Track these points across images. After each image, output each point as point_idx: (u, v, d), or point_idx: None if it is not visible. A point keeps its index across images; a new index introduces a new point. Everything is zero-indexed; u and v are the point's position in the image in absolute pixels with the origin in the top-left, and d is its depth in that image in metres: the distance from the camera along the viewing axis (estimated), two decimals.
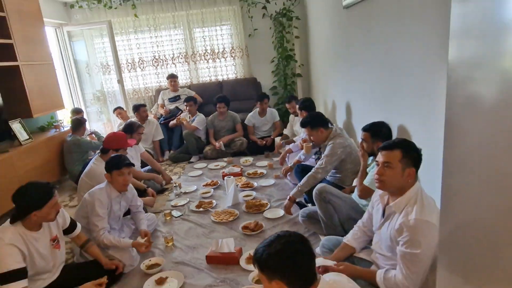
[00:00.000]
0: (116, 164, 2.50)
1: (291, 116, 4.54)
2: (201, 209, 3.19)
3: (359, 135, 2.45)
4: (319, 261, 1.64)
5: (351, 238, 1.91)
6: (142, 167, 3.91)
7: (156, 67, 6.02)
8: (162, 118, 5.23)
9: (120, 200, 2.60)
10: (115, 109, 5.34)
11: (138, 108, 4.68)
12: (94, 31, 5.80)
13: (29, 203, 1.89)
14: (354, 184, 2.70)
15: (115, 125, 5.54)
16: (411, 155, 1.62)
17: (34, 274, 1.96)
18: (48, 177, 3.93)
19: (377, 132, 2.28)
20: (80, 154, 4.19)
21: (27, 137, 3.96)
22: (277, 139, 4.67)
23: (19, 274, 1.82)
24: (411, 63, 2.12)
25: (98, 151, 3.15)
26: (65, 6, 5.71)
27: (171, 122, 5.03)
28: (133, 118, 4.83)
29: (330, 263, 1.69)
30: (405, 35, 2.19)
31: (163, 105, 5.51)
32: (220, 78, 6.15)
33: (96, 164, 2.98)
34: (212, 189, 3.63)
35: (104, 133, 5.39)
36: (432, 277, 1.55)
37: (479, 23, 0.63)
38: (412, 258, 1.50)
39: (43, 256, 2.00)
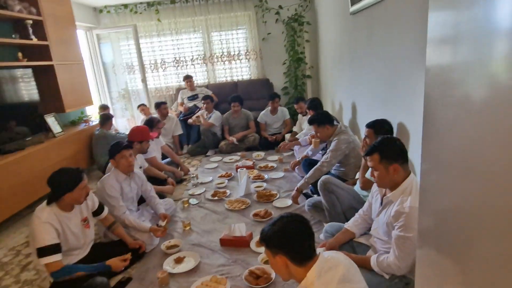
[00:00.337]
0: (116, 149, 2.60)
1: (299, 116, 4.61)
2: (216, 198, 3.29)
3: (363, 132, 2.51)
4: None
5: (352, 224, 1.99)
6: (162, 159, 4.04)
7: (177, 68, 6.15)
8: (181, 115, 5.37)
9: (129, 182, 2.68)
10: (138, 106, 5.49)
11: (160, 105, 4.81)
12: (120, 34, 5.96)
13: (62, 186, 2.02)
14: (357, 177, 2.76)
15: (139, 120, 5.69)
16: (389, 153, 1.65)
17: (67, 250, 2.09)
18: (78, 166, 4.09)
19: (380, 128, 2.34)
20: (107, 146, 4.32)
21: (60, 130, 4.13)
22: (287, 136, 4.75)
23: (54, 248, 1.95)
24: (407, 66, 2.18)
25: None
26: (94, 11, 5.89)
27: (189, 120, 5.15)
28: (155, 114, 4.97)
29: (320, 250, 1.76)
30: (402, 40, 2.24)
31: (182, 103, 5.64)
32: (235, 78, 6.24)
33: None
34: (226, 180, 3.73)
35: (128, 128, 5.55)
36: None
37: (452, 31, 0.70)
38: (405, 241, 1.56)
39: (75, 234, 2.13)
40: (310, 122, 3.01)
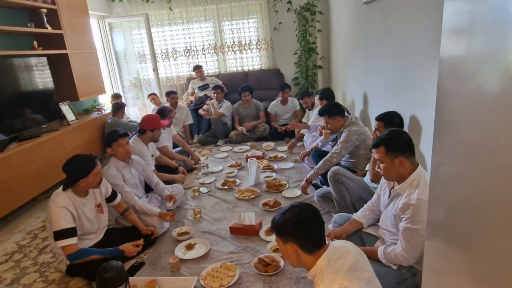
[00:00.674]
0: (113, 137, 2.63)
1: (307, 110, 4.57)
2: (226, 187, 3.33)
3: (374, 123, 2.50)
4: None
5: (360, 215, 2.00)
6: (173, 148, 4.09)
7: (188, 57, 6.16)
8: (192, 105, 5.40)
9: (129, 169, 2.73)
10: (149, 95, 5.54)
11: (169, 95, 4.84)
12: (132, 23, 5.98)
13: (77, 172, 2.08)
14: (366, 169, 2.76)
15: (150, 109, 5.74)
16: (395, 145, 1.65)
17: (81, 234, 2.16)
18: (92, 153, 4.18)
19: (390, 121, 2.32)
20: None
21: (74, 118, 4.21)
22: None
23: (70, 232, 2.02)
24: (421, 57, 2.15)
25: (135, 131, 3.32)
26: (107, 0, 5.91)
27: (199, 111, 5.17)
28: (165, 103, 5.01)
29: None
30: (417, 30, 2.20)
31: (193, 93, 5.67)
32: (246, 68, 6.23)
33: (134, 143, 3.16)
34: (236, 170, 3.76)
35: (140, 117, 5.61)
36: None
37: (469, 21, 0.69)
38: (412, 232, 1.57)
39: (89, 219, 2.20)
40: (321, 113, 3.00)
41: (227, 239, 2.44)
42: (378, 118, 2.38)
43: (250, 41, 6.09)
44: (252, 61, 6.21)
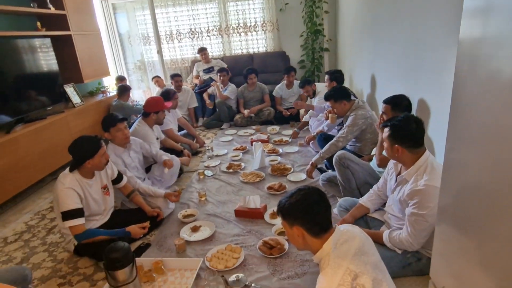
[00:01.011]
0: (111, 122, 2.60)
1: (308, 98, 4.49)
2: (231, 170, 3.34)
3: (381, 107, 2.45)
4: None
5: (366, 200, 1.99)
6: (178, 131, 4.08)
7: (192, 39, 6.07)
8: (197, 88, 5.36)
9: (128, 153, 2.72)
10: (153, 78, 5.50)
11: (173, 77, 4.79)
12: (135, 3, 5.87)
13: (83, 153, 2.09)
14: (372, 153, 2.74)
15: (154, 92, 5.71)
16: (398, 133, 1.65)
17: (88, 215, 2.19)
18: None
19: (397, 104, 2.28)
20: (124, 117, 4.40)
21: (79, 100, 4.19)
22: (302, 111, 4.69)
23: (77, 212, 2.04)
24: (434, 39, 2.08)
25: (140, 114, 3.31)
26: None
27: (204, 96, 5.12)
28: (170, 86, 4.97)
29: None
30: (429, 11, 2.12)
31: (197, 76, 5.61)
32: (251, 51, 6.13)
33: (139, 125, 3.15)
34: (241, 153, 3.76)
35: (144, 99, 5.58)
36: None
37: (491, 2, 0.65)
38: (418, 218, 1.56)
39: (96, 200, 2.22)
40: (327, 98, 2.95)
41: (232, 222, 2.45)
42: (386, 101, 2.35)
43: (256, 22, 5.97)
44: (257, 43, 6.10)
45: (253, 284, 1.68)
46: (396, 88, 2.70)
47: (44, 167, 3.42)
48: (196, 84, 5.47)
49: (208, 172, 3.35)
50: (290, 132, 4.29)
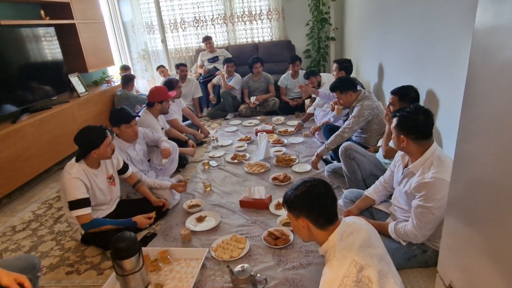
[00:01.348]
0: (124, 119, 2.55)
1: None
2: (235, 161, 3.34)
3: (388, 98, 2.43)
4: None
5: (372, 191, 1.99)
6: (183, 121, 4.08)
7: (197, 28, 6.02)
8: (201, 77, 5.33)
9: (133, 147, 2.71)
10: (158, 67, 5.48)
11: (178, 67, 4.77)
12: None
13: (88, 143, 2.10)
14: (378, 144, 2.72)
15: (159, 82, 5.69)
16: (404, 123, 1.64)
17: (95, 205, 2.21)
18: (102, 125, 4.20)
19: (405, 95, 2.25)
20: (129, 106, 4.37)
21: (84, 90, 4.20)
22: (307, 102, 4.66)
23: (84, 202, 2.07)
24: (445, 28, 2.03)
25: (145, 104, 3.30)
26: None
27: (208, 86, 5.09)
28: (175, 76, 4.95)
29: None
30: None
31: (202, 66, 5.58)
32: (256, 40, 6.07)
33: (144, 115, 3.15)
34: (246, 144, 3.76)
35: (148, 89, 5.57)
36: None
37: None
38: (424, 210, 1.56)
39: (102, 190, 2.24)
40: (332, 89, 2.92)
41: (237, 212, 2.47)
42: (393, 92, 2.32)
43: (261, 11, 5.90)
44: (262, 32, 6.04)
45: (258, 274, 1.70)
46: (404, 79, 2.66)
47: (50, 156, 3.45)
48: (200, 74, 5.44)
49: (213, 163, 3.36)
50: (295, 122, 4.27)
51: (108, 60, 4.91)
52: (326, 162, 3.02)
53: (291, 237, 2.06)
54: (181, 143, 3.51)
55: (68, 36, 4.13)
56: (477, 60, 0.75)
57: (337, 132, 2.76)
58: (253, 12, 5.91)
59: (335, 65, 3.69)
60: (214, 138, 3.85)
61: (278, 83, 4.85)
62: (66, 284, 1.95)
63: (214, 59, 5.54)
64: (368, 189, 2.03)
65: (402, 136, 1.65)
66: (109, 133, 2.18)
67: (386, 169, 2.06)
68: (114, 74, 5.45)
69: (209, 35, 5.64)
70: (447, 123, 2.05)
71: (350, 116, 2.79)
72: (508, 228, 0.74)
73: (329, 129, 3.21)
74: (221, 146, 3.80)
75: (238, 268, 1.68)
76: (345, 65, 3.61)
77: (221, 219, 2.38)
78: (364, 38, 4.26)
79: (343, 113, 3.22)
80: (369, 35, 3.94)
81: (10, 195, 3.08)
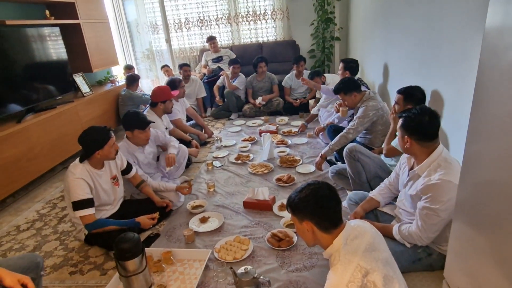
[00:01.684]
0: (139, 124, 2.53)
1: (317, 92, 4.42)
2: (239, 161, 3.33)
3: (394, 98, 2.41)
4: None
5: (377, 193, 1.97)
6: (187, 121, 4.08)
7: (201, 28, 6.02)
8: (205, 77, 5.33)
9: (142, 150, 2.70)
10: (162, 67, 5.49)
11: (181, 67, 4.77)
12: None
13: (92, 144, 2.10)
14: (383, 146, 2.70)
15: (163, 82, 5.70)
16: (409, 124, 1.63)
17: (98, 205, 2.21)
18: (106, 125, 4.22)
19: (410, 95, 2.24)
20: (133, 106, 4.42)
21: (88, 89, 4.21)
22: (311, 102, 4.64)
23: (88, 203, 2.07)
24: (452, 29, 2.01)
25: (148, 104, 3.31)
26: None
27: (214, 89, 5.08)
28: (178, 76, 4.95)
29: None
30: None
31: (206, 66, 5.58)
32: (260, 40, 6.06)
33: (147, 115, 3.13)
34: (250, 144, 3.75)
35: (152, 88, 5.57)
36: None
37: None
38: (430, 212, 1.54)
39: (105, 190, 2.24)
40: (336, 91, 2.90)
41: (240, 213, 2.46)
42: (399, 91, 2.32)
43: (265, 10, 5.88)
44: (267, 32, 6.02)
45: (261, 277, 1.69)
46: (410, 79, 2.64)
47: (55, 156, 3.47)
48: (204, 74, 5.44)
49: (217, 163, 3.35)
50: (299, 123, 4.25)
51: (112, 60, 4.92)
52: (331, 163, 3.01)
53: (295, 239, 2.04)
54: (185, 143, 3.51)
55: (72, 36, 4.14)
56: (487, 61, 0.73)
57: (341, 133, 2.74)
58: (258, 12, 5.89)
59: (341, 64, 3.65)
60: (218, 138, 3.85)
61: (282, 83, 4.83)
62: (70, 284, 1.95)
63: (218, 59, 5.54)
64: (373, 190, 2.02)
65: (406, 136, 1.64)
66: (112, 134, 2.18)
67: (391, 171, 2.05)
68: (118, 73, 5.46)
69: (213, 35, 5.64)
70: (453, 125, 2.02)
71: (355, 117, 2.77)
72: None
73: (334, 130, 3.19)
74: (225, 146, 3.79)
75: (241, 270, 1.67)
76: (351, 65, 3.58)
77: (225, 220, 2.37)
78: (369, 38, 4.23)
79: (348, 113, 3.20)
80: (374, 35, 3.92)
81: (15, 194, 3.10)
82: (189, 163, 3.39)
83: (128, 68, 5.24)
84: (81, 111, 3.90)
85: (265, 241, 2.07)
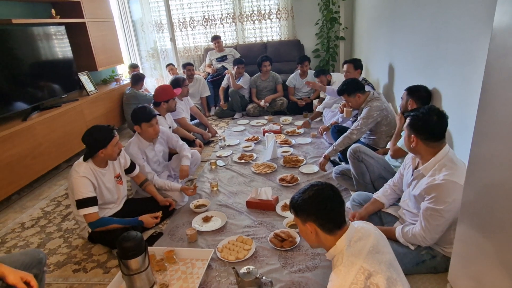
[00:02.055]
0: (146, 117, 2.55)
1: None
2: (242, 161, 3.33)
3: (398, 99, 2.39)
4: None
5: (381, 195, 1.95)
6: (191, 120, 4.08)
7: (205, 27, 6.02)
8: (209, 76, 5.33)
9: (153, 147, 2.71)
10: (167, 65, 5.50)
11: (185, 66, 4.76)
12: None
13: (96, 143, 2.11)
14: (388, 146, 2.68)
15: (167, 80, 5.71)
16: (416, 123, 1.62)
17: (102, 204, 2.22)
18: (110, 124, 4.23)
19: (414, 91, 2.26)
20: (137, 105, 4.41)
21: (93, 88, 4.23)
22: (315, 102, 4.63)
23: (91, 201, 2.08)
24: (459, 29, 1.98)
25: (152, 104, 3.31)
26: None
27: (220, 93, 5.07)
28: (182, 75, 4.96)
29: None
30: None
31: (210, 65, 5.58)
32: (265, 39, 6.05)
33: None
34: (253, 144, 3.74)
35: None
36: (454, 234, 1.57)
37: None
38: (434, 213, 1.52)
39: (109, 189, 2.25)
40: (340, 92, 2.88)
41: (243, 213, 2.45)
42: (405, 89, 2.35)
43: (270, 10, 5.87)
44: (271, 31, 6.01)
45: (263, 277, 1.68)
46: (415, 79, 2.61)
47: (59, 154, 3.48)
48: (208, 73, 5.44)
49: (220, 162, 3.35)
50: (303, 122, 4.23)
51: (117, 58, 4.94)
52: (334, 163, 2.99)
53: (298, 239, 2.04)
54: (189, 142, 3.51)
55: (78, 35, 4.16)
56: (495, 61, 0.72)
57: (345, 134, 2.72)
58: (262, 11, 5.88)
59: (347, 65, 3.55)
60: (222, 137, 3.85)
61: (286, 83, 4.82)
62: (73, 282, 1.96)
63: (222, 58, 5.53)
64: (377, 192, 2.00)
65: (412, 135, 1.63)
66: (116, 133, 2.19)
67: (395, 172, 2.03)
68: (123, 72, 5.47)
69: (218, 34, 5.63)
70: (459, 126, 2.00)
71: (359, 117, 2.75)
72: None
73: (338, 130, 3.18)
74: (228, 145, 3.79)
75: (243, 270, 1.67)
76: (358, 64, 3.55)
77: (228, 219, 2.37)
78: (374, 38, 4.20)
79: (352, 114, 3.18)
80: (379, 34, 3.89)
81: (20, 192, 3.12)
82: None
83: (133, 67, 5.26)
84: (85, 109, 3.91)
85: (268, 241, 2.07)
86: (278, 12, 5.84)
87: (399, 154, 2.28)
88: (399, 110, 2.53)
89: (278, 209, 2.43)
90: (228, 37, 6.05)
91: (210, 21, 5.98)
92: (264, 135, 3.78)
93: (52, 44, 3.69)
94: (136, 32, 6.15)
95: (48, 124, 3.32)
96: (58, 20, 3.77)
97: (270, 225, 2.28)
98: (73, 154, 3.66)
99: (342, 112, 3.21)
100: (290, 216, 2.29)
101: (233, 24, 5.98)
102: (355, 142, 2.67)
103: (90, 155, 2.15)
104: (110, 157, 2.20)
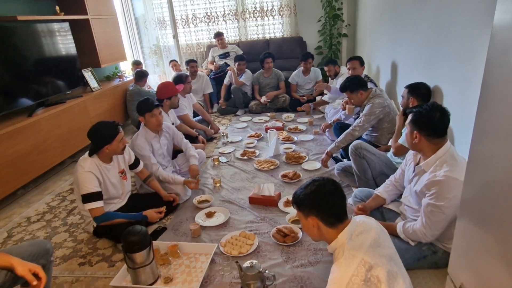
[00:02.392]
0: (147, 107, 2.61)
1: (329, 79, 4.42)
2: (245, 157, 3.35)
3: (400, 96, 2.40)
4: None
5: (382, 190, 1.97)
6: (194, 117, 4.10)
7: (208, 24, 6.03)
8: (212, 73, 5.34)
9: (158, 139, 2.75)
10: (170, 61, 5.51)
11: (188, 63, 4.79)
12: None
13: (101, 138, 2.13)
14: (389, 143, 2.69)
15: (170, 77, 5.73)
16: (419, 120, 1.62)
17: (107, 199, 2.25)
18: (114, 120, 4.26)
19: (415, 88, 2.27)
20: None
21: (97, 84, 4.25)
22: (318, 98, 4.63)
23: (97, 196, 2.10)
24: (462, 28, 1.99)
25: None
26: None
27: (222, 91, 5.08)
28: (185, 71, 4.97)
29: None
30: None
31: (212, 62, 5.59)
32: (267, 36, 6.05)
33: None
34: (256, 140, 3.76)
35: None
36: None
37: None
38: (434, 209, 1.54)
39: (114, 184, 2.28)
40: (342, 89, 2.89)
41: (246, 209, 2.48)
42: (406, 86, 2.36)
43: (273, 6, 5.87)
44: (274, 28, 6.01)
45: (266, 271, 1.71)
46: (417, 77, 2.63)
47: (64, 150, 3.51)
48: (211, 70, 5.46)
49: (223, 159, 3.37)
50: (305, 119, 4.26)
51: (120, 55, 4.95)
52: (336, 160, 3.01)
53: (300, 234, 2.06)
54: (191, 139, 3.54)
55: (81, 32, 4.18)
56: (495, 59, 0.73)
57: (347, 130, 2.74)
58: (265, 8, 5.88)
59: (351, 63, 3.53)
60: (224, 134, 3.87)
61: (289, 80, 4.82)
62: (79, 275, 1.99)
63: (225, 55, 5.54)
64: (379, 188, 2.02)
65: (415, 132, 1.63)
66: (121, 129, 2.21)
67: (397, 168, 2.05)
68: (126, 69, 5.49)
69: (220, 31, 5.64)
70: (459, 123, 2.01)
71: (361, 114, 2.76)
72: None
73: (340, 127, 3.19)
74: (231, 142, 3.81)
75: (246, 264, 1.69)
76: (362, 60, 3.57)
77: (230, 215, 2.39)
78: (376, 35, 4.20)
79: (354, 111, 3.20)
80: (382, 32, 3.89)
81: (25, 187, 3.16)
82: None
83: (136, 63, 5.28)
84: (89, 105, 3.94)
85: (270, 237, 2.09)
86: (281, 9, 5.84)
87: (401, 152, 2.30)
88: (401, 108, 2.54)
89: (281, 205, 2.45)
90: (231, 34, 6.06)
91: (213, 17, 5.98)
92: (266, 131, 3.80)
93: (56, 41, 3.71)
94: (139, 28, 6.16)
95: (53, 120, 3.35)
96: (62, 16, 3.79)
97: (272, 220, 2.31)
98: (77, 150, 3.69)
99: (344, 109, 3.22)
100: (292, 211, 2.31)
101: (236, 21, 5.98)
102: (357, 139, 2.69)
103: (96, 151, 2.17)
104: (115, 153, 2.23)
